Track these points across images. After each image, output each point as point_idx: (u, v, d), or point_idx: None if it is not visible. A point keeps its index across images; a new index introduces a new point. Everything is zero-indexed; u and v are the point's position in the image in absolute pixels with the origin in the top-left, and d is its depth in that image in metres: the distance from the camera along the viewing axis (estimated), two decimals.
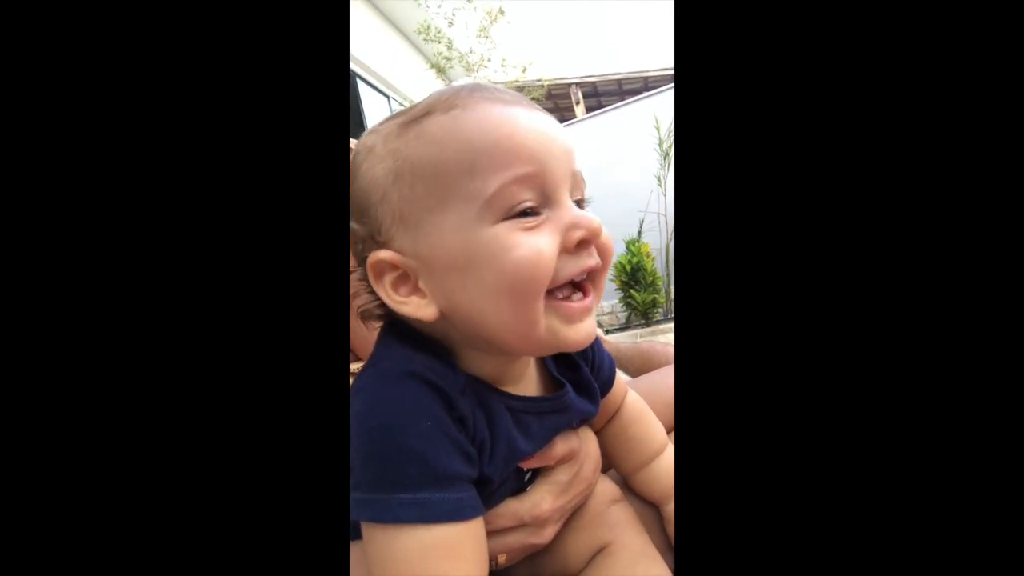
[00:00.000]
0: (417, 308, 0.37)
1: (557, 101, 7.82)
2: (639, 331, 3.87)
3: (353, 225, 0.39)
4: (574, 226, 0.35)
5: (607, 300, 4.44)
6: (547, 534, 0.45)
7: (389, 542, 0.34)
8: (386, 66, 5.70)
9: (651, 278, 3.98)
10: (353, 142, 0.46)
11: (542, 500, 0.44)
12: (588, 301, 0.37)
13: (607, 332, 3.88)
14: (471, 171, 0.34)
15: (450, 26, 5.84)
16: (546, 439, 0.44)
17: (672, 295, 4.07)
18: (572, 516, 0.49)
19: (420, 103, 0.38)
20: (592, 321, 0.38)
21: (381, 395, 0.36)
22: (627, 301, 4.08)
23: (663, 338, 3.20)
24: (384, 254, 0.37)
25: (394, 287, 0.38)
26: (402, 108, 0.40)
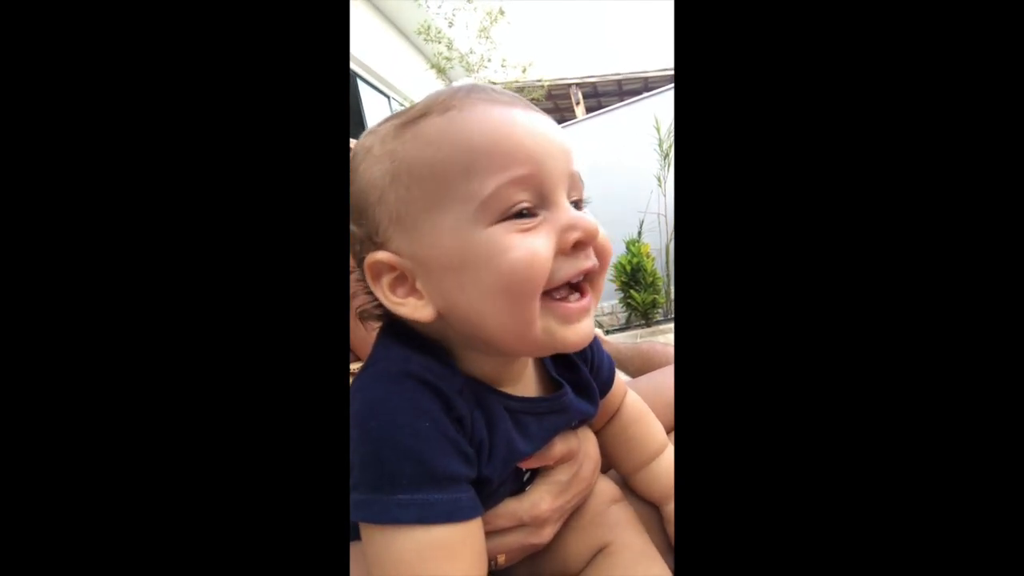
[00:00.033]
0: (414, 309, 0.37)
1: (557, 101, 7.82)
2: (639, 331, 3.87)
3: (351, 226, 0.39)
4: (571, 227, 0.35)
5: (607, 300, 4.44)
6: (546, 534, 0.45)
7: (387, 543, 0.34)
8: (386, 66, 5.70)
9: (651, 278, 3.98)
10: (353, 142, 0.46)
11: (541, 500, 0.44)
12: (585, 302, 0.37)
13: (607, 332, 3.88)
14: (467, 172, 0.34)
15: (450, 26, 5.84)
16: (545, 439, 0.44)
17: (672, 295, 4.07)
18: (572, 516, 0.49)
19: (417, 104, 0.38)
20: (589, 322, 0.38)
21: (379, 396, 0.36)
22: (627, 301, 4.08)
23: (663, 338, 3.20)
24: (381, 255, 0.37)
25: (391, 288, 0.38)
26: (402, 108, 0.40)
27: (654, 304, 4.01)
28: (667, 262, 4.11)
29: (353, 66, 5.14)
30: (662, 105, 4.45)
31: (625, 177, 4.46)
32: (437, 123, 0.36)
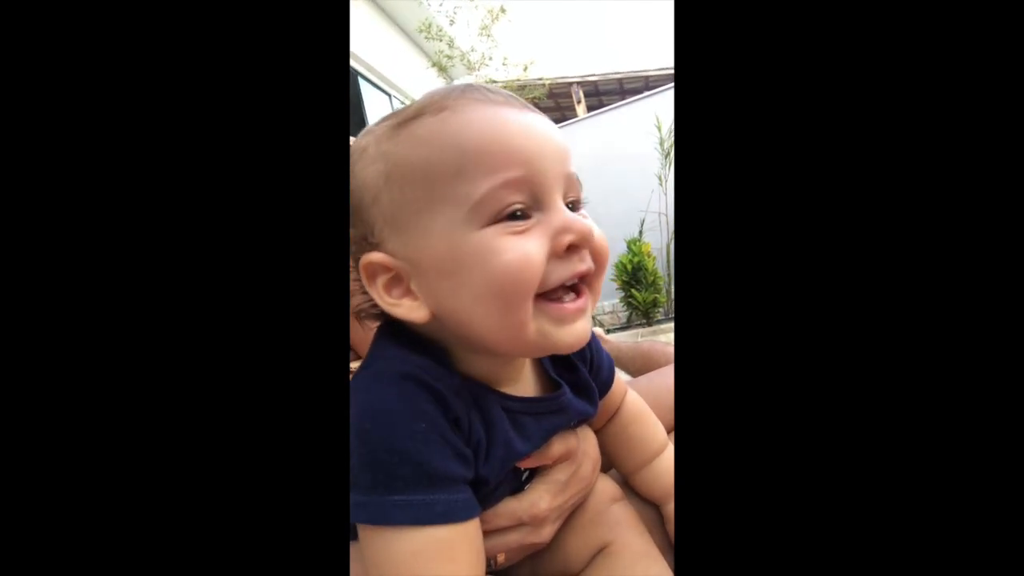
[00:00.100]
0: (409, 310, 0.37)
1: (558, 100, 7.81)
2: (640, 331, 3.87)
3: None
4: (564, 230, 0.35)
5: (608, 299, 4.44)
6: (545, 533, 0.45)
7: (384, 543, 0.34)
8: (388, 64, 5.70)
9: (652, 278, 3.98)
10: (354, 140, 0.46)
11: (540, 499, 0.44)
12: (581, 303, 0.37)
13: (608, 331, 3.88)
14: (459, 174, 0.34)
15: (451, 24, 5.84)
16: (543, 439, 0.44)
17: (673, 295, 4.07)
18: (572, 515, 0.49)
19: (412, 104, 0.38)
20: (585, 323, 0.37)
21: (376, 397, 0.35)
22: (628, 301, 4.08)
23: (664, 338, 3.20)
24: (376, 256, 0.37)
25: (387, 289, 0.38)
26: (402, 107, 0.40)
27: (655, 303, 4.00)
28: (668, 261, 4.11)
29: (354, 64, 5.14)
30: (663, 104, 4.44)
31: (626, 176, 4.46)
32: (430, 124, 0.36)
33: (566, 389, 0.46)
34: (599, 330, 2.12)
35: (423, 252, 0.36)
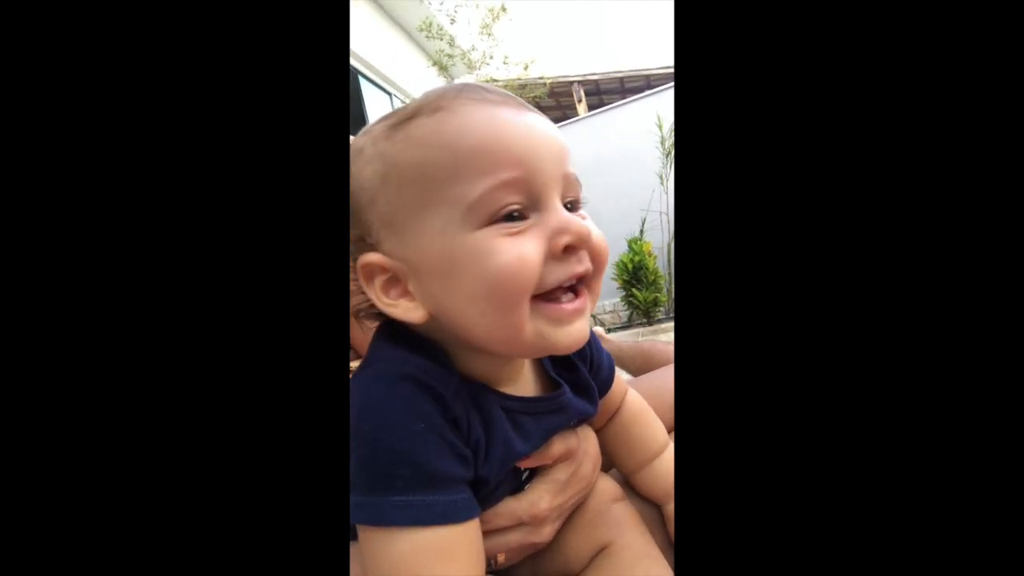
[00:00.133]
0: (406, 311, 0.37)
1: (559, 99, 7.81)
2: (641, 330, 3.87)
3: None
4: (561, 231, 0.35)
5: (609, 299, 4.44)
6: (545, 533, 0.45)
7: (383, 545, 0.34)
8: (388, 63, 5.70)
9: (653, 277, 3.98)
10: (351, 140, 0.46)
11: (540, 499, 0.44)
12: (579, 303, 0.36)
13: (609, 331, 3.88)
14: (455, 175, 0.34)
15: (452, 23, 5.84)
16: (543, 439, 0.44)
17: (674, 294, 4.07)
18: (573, 515, 0.49)
19: (409, 104, 0.38)
20: (583, 323, 0.37)
21: (374, 398, 0.35)
22: (629, 300, 4.08)
23: (665, 337, 3.20)
24: (373, 257, 0.37)
25: (384, 290, 0.38)
26: (401, 106, 0.40)
27: (656, 303, 4.01)
28: (669, 260, 4.11)
29: (354, 63, 5.14)
30: (664, 103, 4.44)
31: (627, 175, 4.46)
32: (426, 124, 0.36)
33: (566, 388, 0.46)
34: (600, 329, 2.12)
35: (419, 253, 0.36)
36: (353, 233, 0.39)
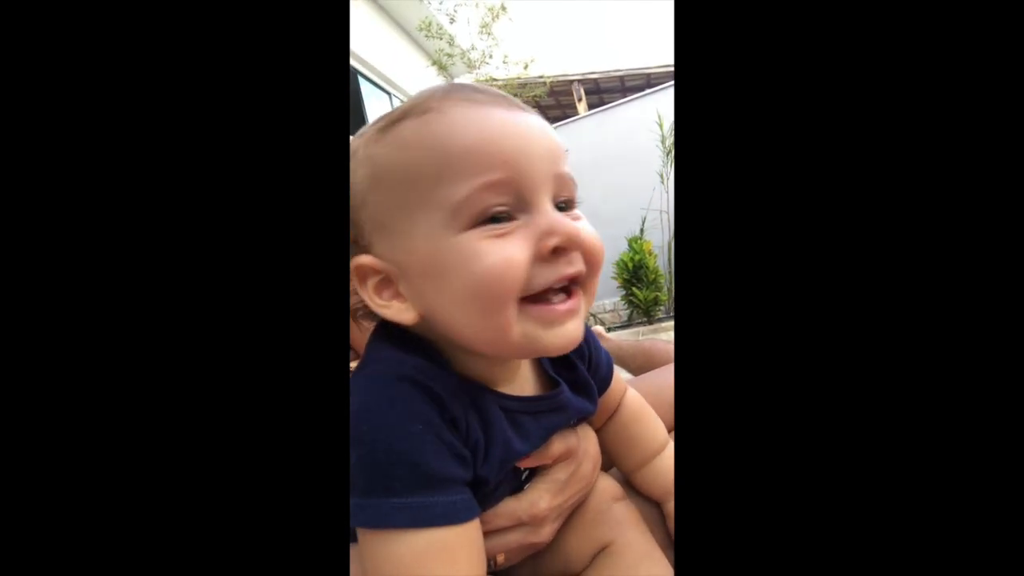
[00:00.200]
0: (398, 312, 0.37)
1: (559, 98, 7.81)
2: (641, 329, 3.87)
3: None
4: (549, 233, 0.34)
5: (609, 298, 4.44)
6: (545, 533, 0.45)
7: (384, 547, 0.33)
8: (388, 63, 5.69)
9: (653, 276, 3.98)
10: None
11: (539, 499, 0.44)
12: (571, 304, 0.36)
13: (609, 330, 3.88)
14: (440, 177, 0.34)
15: (452, 23, 5.83)
16: (542, 438, 0.44)
17: (674, 293, 4.06)
18: (573, 515, 0.49)
19: (399, 106, 0.38)
20: (576, 324, 0.37)
21: (372, 399, 0.35)
22: (629, 299, 4.08)
23: (665, 336, 3.20)
24: (366, 259, 0.37)
25: (377, 291, 0.38)
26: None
27: (656, 301, 4.01)
28: (669, 259, 4.10)
29: (354, 63, 5.14)
30: (664, 101, 4.44)
31: (628, 174, 4.46)
32: (413, 126, 0.36)
33: (564, 387, 0.46)
34: (600, 328, 2.12)
35: (408, 255, 0.36)
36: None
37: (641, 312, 4.08)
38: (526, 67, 6.06)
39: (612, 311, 4.54)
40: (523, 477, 0.45)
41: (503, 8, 5.64)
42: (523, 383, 0.45)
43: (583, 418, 0.49)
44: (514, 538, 0.44)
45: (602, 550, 0.48)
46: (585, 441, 0.49)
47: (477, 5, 5.66)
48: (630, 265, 3.99)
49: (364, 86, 5.39)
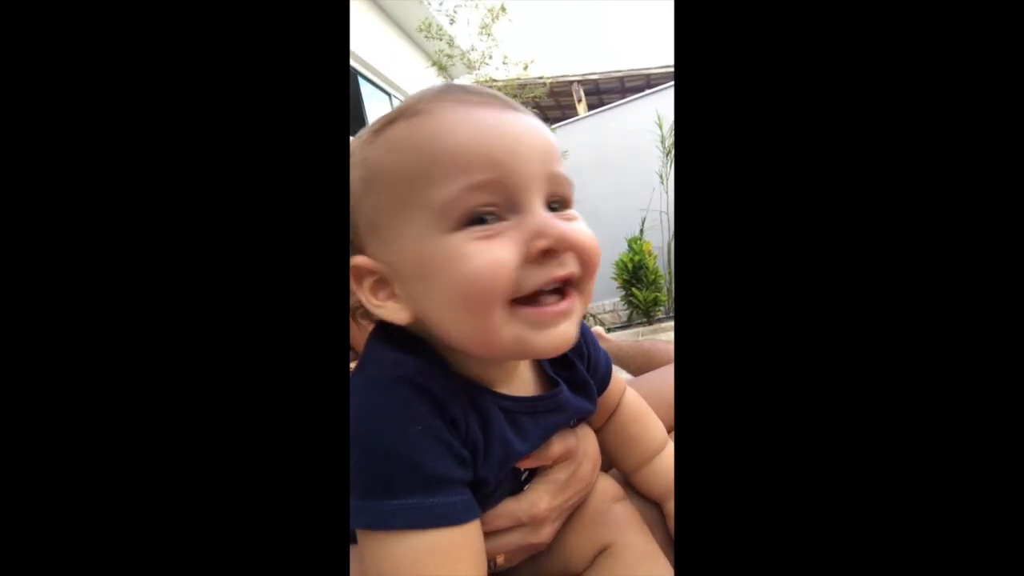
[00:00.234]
0: (392, 312, 0.37)
1: (559, 99, 7.80)
2: (641, 329, 3.87)
3: None
4: (539, 234, 0.34)
5: (609, 298, 4.44)
6: (545, 534, 0.45)
7: (384, 549, 0.33)
8: (388, 64, 5.69)
9: (653, 276, 3.99)
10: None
11: (539, 500, 0.44)
12: (564, 305, 0.35)
13: (609, 330, 3.88)
14: (428, 178, 0.34)
15: (452, 23, 5.83)
16: (542, 439, 0.44)
17: (674, 293, 4.07)
18: (573, 515, 0.49)
19: (394, 109, 0.38)
20: (568, 326, 0.36)
21: (370, 401, 0.35)
22: (629, 299, 4.08)
23: (665, 336, 3.19)
24: (360, 260, 0.37)
25: (372, 291, 0.38)
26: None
27: (656, 302, 4.01)
28: (669, 260, 4.11)
29: (354, 64, 5.14)
30: (664, 102, 4.44)
31: (627, 174, 4.46)
32: (403, 128, 0.36)
33: (563, 387, 0.46)
34: (600, 329, 2.12)
35: (399, 257, 0.36)
36: None
37: (641, 313, 4.08)
38: (526, 68, 6.06)
39: (612, 312, 4.54)
40: (523, 478, 0.45)
41: (503, 9, 5.63)
42: (522, 383, 0.45)
43: (582, 418, 0.49)
44: (514, 539, 0.44)
45: (602, 551, 0.48)
46: (584, 442, 0.49)
47: (477, 6, 5.66)
48: (630, 266, 3.99)
49: (364, 87, 5.39)
